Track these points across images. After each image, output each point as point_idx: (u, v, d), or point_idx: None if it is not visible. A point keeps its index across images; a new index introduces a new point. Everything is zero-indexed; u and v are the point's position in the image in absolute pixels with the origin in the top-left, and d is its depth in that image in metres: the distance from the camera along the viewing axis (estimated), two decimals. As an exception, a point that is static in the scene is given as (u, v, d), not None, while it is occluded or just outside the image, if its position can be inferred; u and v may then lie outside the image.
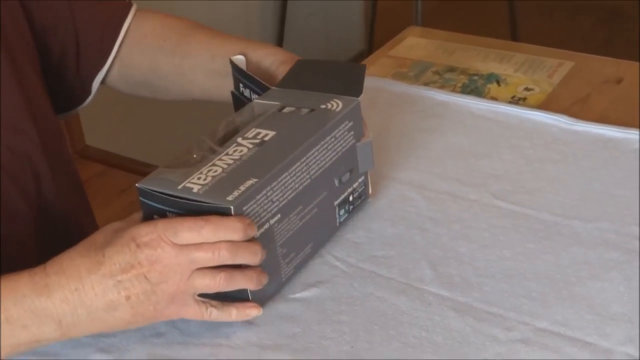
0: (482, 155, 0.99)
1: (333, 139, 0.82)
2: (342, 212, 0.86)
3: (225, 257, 0.72)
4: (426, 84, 1.17)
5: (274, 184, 0.76)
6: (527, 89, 1.14)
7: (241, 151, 0.78)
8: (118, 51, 1.00)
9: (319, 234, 0.84)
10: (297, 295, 0.80)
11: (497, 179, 0.95)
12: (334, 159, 0.82)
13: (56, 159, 0.91)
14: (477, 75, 1.18)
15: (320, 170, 0.81)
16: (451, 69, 1.20)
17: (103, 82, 1.03)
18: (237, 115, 0.86)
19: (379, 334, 0.75)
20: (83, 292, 0.71)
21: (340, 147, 0.83)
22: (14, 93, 0.85)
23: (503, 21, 2.59)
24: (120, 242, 0.71)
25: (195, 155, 0.80)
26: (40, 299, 0.70)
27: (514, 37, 2.58)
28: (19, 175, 0.86)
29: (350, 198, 0.87)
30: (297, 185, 0.78)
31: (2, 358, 0.72)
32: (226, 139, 0.81)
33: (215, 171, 0.76)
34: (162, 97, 1.07)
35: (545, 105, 1.10)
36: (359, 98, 0.85)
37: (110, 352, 0.75)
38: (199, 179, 0.75)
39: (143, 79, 1.03)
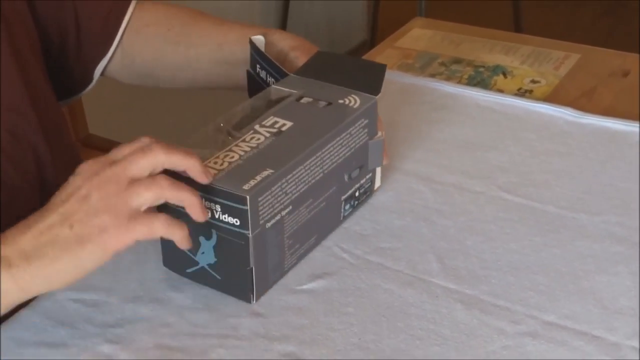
0: (488, 148, 0.99)
1: (348, 136, 0.82)
2: (347, 206, 0.86)
3: (161, 158, 0.71)
4: (432, 76, 1.16)
5: (289, 176, 0.76)
6: (533, 81, 1.14)
7: (258, 139, 0.78)
8: (120, 41, 1.00)
9: (324, 226, 0.85)
10: (304, 286, 0.80)
11: (503, 171, 0.95)
12: (347, 155, 0.82)
13: (58, 144, 0.91)
14: (483, 67, 1.18)
15: (333, 165, 0.81)
16: (457, 61, 1.20)
17: (103, 73, 1.02)
18: (254, 99, 0.86)
19: (386, 326, 0.75)
20: (29, 233, 0.69)
21: (354, 144, 0.83)
22: (15, 77, 0.85)
23: (506, 12, 2.59)
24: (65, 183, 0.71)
25: (212, 137, 0.80)
26: None
27: (518, 28, 2.57)
28: (20, 159, 0.85)
29: (357, 194, 0.87)
30: (310, 179, 0.78)
31: None
32: (243, 124, 0.81)
33: (232, 157, 0.76)
34: (166, 87, 1.07)
35: (552, 97, 1.10)
36: (377, 97, 0.85)
37: (118, 342, 0.75)
38: (215, 163, 0.75)
39: (146, 68, 1.03)
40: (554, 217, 0.88)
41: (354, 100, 0.84)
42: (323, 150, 0.79)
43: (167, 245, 0.79)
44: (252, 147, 0.77)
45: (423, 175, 0.95)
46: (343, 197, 0.85)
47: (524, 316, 0.75)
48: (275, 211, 0.75)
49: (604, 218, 0.87)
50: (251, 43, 0.93)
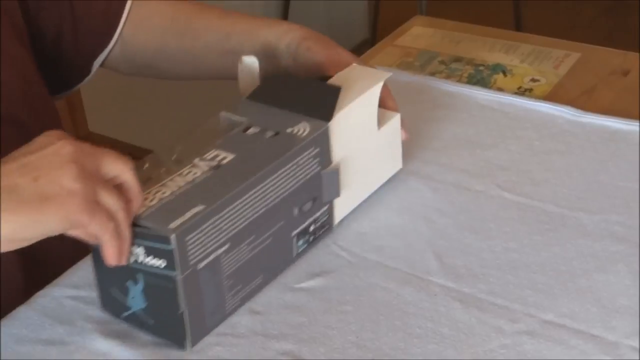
0: (488, 146, 0.99)
1: (295, 167, 0.77)
2: (300, 242, 0.81)
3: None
4: (432, 74, 1.16)
5: (224, 212, 0.71)
6: (533, 80, 1.13)
7: (195, 173, 0.74)
8: (120, 32, 0.99)
9: (272, 265, 0.79)
10: (302, 285, 0.80)
11: (503, 170, 0.95)
12: (294, 187, 0.77)
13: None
14: (483, 65, 1.18)
15: (278, 199, 0.76)
16: (457, 59, 1.20)
17: (102, 64, 1.01)
18: (201, 129, 0.81)
19: (384, 324, 0.75)
20: None
21: (303, 175, 0.78)
22: (5, 71, 0.85)
23: (507, 11, 2.58)
24: None
25: (147, 171, 0.75)
26: None
27: (518, 27, 2.57)
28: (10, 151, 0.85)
29: (311, 228, 0.82)
30: (250, 214, 0.74)
31: None
32: (184, 157, 0.76)
33: (164, 193, 0.72)
34: (167, 77, 1.06)
35: (552, 96, 1.09)
36: (329, 123, 0.80)
37: (117, 338, 0.75)
38: (145, 199, 0.71)
39: (148, 60, 1.02)
40: (554, 216, 0.87)
41: (303, 129, 0.79)
42: (265, 183, 0.74)
43: (103, 288, 0.75)
44: (187, 182, 0.73)
45: (422, 174, 0.95)
46: (294, 233, 0.80)
47: (523, 315, 0.75)
48: (209, 250, 0.71)
49: (604, 217, 0.87)
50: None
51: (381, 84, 0.87)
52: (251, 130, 0.80)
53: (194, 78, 1.04)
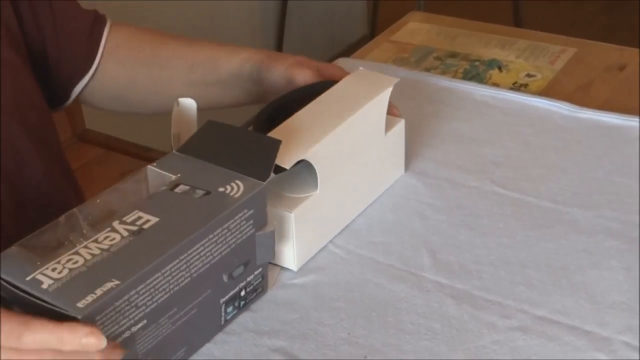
0: (483, 142, 0.99)
1: (225, 231, 0.70)
2: (229, 309, 0.74)
3: None
4: (427, 70, 1.16)
5: (141, 287, 0.64)
6: (528, 75, 1.13)
7: (113, 239, 0.66)
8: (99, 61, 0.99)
9: (197, 335, 0.73)
10: (295, 281, 0.80)
11: (498, 165, 0.94)
12: (224, 252, 0.70)
13: (43, 145, 0.90)
14: (478, 61, 1.17)
15: (205, 267, 0.69)
16: (453, 55, 1.19)
17: (80, 95, 1.00)
18: (126, 183, 0.74)
19: (377, 320, 0.75)
20: None
21: (234, 240, 0.71)
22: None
23: (506, 9, 2.58)
24: None
25: (61, 233, 0.67)
26: None
27: (517, 22, 2.56)
28: None
29: (242, 293, 0.75)
30: (172, 286, 0.66)
31: None
32: (102, 218, 0.69)
33: (76, 262, 0.64)
34: (138, 111, 1.04)
35: (547, 91, 1.09)
36: (265, 183, 0.72)
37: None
38: (54, 270, 0.63)
39: (118, 92, 1.01)
40: (548, 212, 0.87)
41: (237, 188, 0.71)
42: (189, 252, 0.67)
43: None
44: (102, 250, 0.65)
45: (417, 170, 0.94)
46: (223, 300, 0.73)
47: (515, 311, 0.75)
48: (122, 328, 0.63)
49: (599, 212, 0.87)
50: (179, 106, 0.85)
51: (390, 89, 0.87)
52: (180, 189, 0.72)
53: (164, 111, 1.02)
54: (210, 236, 0.68)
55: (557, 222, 0.86)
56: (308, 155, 0.77)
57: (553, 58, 1.16)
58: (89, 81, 0.99)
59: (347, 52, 1.31)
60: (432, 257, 0.81)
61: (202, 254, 0.68)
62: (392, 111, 0.91)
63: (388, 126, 0.89)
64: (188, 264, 0.67)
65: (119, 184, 0.73)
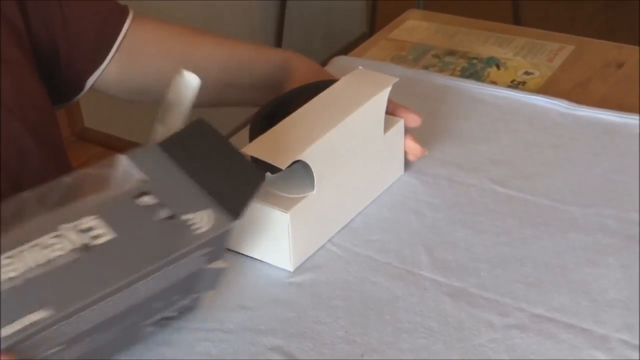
0: (481, 140, 0.99)
1: (174, 268, 0.63)
2: (151, 328, 0.71)
3: None
4: (425, 68, 1.16)
5: (73, 319, 0.59)
6: (526, 73, 1.13)
7: (59, 249, 0.60)
8: (117, 55, 0.99)
9: (111, 350, 0.69)
10: (292, 279, 0.80)
11: (495, 163, 0.94)
12: (166, 286, 0.65)
13: (45, 143, 0.90)
14: (476, 58, 1.17)
15: (141, 300, 0.64)
16: (451, 53, 1.19)
17: (97, 85, 1.01)
18: (91, 168, 0.67)
19: (374, 319, 0.75)
20: None
21: (182, 274, 0.66)
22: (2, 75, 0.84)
23: (505, 8, 2.57)
24: None
25: (7, 220, 0.61)
26: None
27: (517, 19, 2.56)
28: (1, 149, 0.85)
29: (168, 314, 0.71)
30: (101, 317, 0.62)
31: None
32: (59, 203, 0.63)
33: (15, 269, 0.58)
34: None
35: (545, 89, 1.09)
36: (234, 223, 0.65)
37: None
38: None
39: (145, 86, 1.01)
40: (546, 210, 0.87)
41: (204, 220, 0.64)
42: (131, 289, 0.61)
43: None
44: (45, 262, 0.59)
45: (414, 168, 0.94)
46: (145, 323, 0.69)
47: (513, 309, 0.75)
48: (38, 352, 0.59)
49: (596, 210, 0.86)
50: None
51: (389, 88, 0.86)
52: (144, 200, 0.65)
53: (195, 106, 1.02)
54: (158, 274, 0.62)
55: (554, 219, 0.85)
56: (304, 156, 0.77)
57: (551, 56, 1.16)
58: (102, 72, 0.99)
59: (346, 50, 1.31)
60: (430, 255, 0.81)
61: (141, 289, 0.62)
62: (406, 114, 0.90)
63: (387, 126, 0.88)
64: (125, 298, 0.62)
65: (87, 168, 0.67)
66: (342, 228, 0.85)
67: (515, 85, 1.11)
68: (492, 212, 0.87)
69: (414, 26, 1.28)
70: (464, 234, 0.84)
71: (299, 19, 2.65)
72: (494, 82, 1.11)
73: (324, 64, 1.16)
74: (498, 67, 1.15)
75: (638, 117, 0.99)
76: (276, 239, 0.79)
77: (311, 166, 0.78)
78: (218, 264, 0.69)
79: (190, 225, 0.64)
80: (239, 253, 0.82)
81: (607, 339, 0.71)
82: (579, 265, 0.79)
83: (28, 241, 0.60)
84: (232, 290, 0.79)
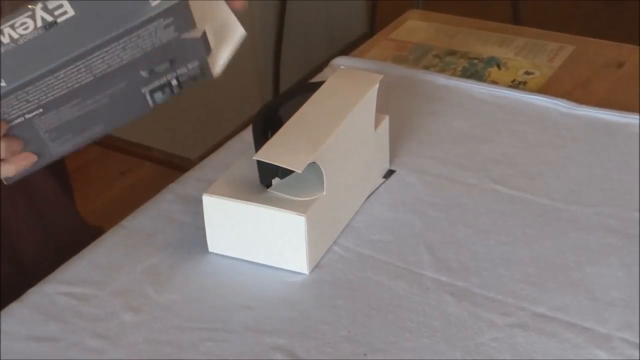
0: (482, 140, 0.99)
1: (136, 38, 0.71)
2: (158, 94, 0.77)
3: None
4: (426, 68, 1.16)
5: (29, 88, 0.70)
6: (527, 73, 1.13)
7: (26, 27, 0.70)
8: None
9: (116, 116, 0.77)
10: (295, 279, 0.80)
11: (496, 163, 0.95)
12: (137, 55, 0.72)
13: None
14: (477, 58, 1.17)
15: (112, 68, 0.72)
16: (451, 53, 1.19)
17: None
18: None
19: (377, 318, 0.75)
20: None
21: (149, 45, 0.72)
22: None
23: (505, 8, 2.57)
24: None
25: None
26: None
27: (517, 18, 2.56)
28: None
29: (174, 82, 0.77)
30: (71, 84, 0.71)
31: None
32: None
33: None
34: None
35: (546, 89, 1.09)
36: None
37: (107, 337, 0.74)
38: None
39: None
40: (547, 209, 0.87)
41: None
42: (89, 58, 0.70)
43: None
44: (12, 39, 0.69)
45: (416, 167, 0.94)
46: (145, 89, 0.76)
47: (515, 308, 0.75)
48: (13, 117, 0.71)
49: (597, 210, 0.87)
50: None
51: (377, 86, 0.87)
52: None
53: None
54: (115, 44, 0.70)
55: (556, 219, 0.86)
56: (316, 157, 0.78)
57: (551, 55, 1.17)
58: None
59: (347, 50, 1.31)
60: (432, 255, 0.82)
61: (105, 59, 0.71)
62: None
63: (375, 123, 0.89)
64: (88, 67, 0.70)
65: None
66: (345, 228, 0.86)
67: (516, 85, 1.11)
68: (494, 211, 0.87)
69: (415, 26, 1.28)
70: (465, 234, 0.84)
71: (299, 19, 2.65)
72: (494, 82, 1.11)
73: (324, 64, 1.16)
74: (499, 67, 1.15)
75: (638, 117, 1.00)
76: (291, 243, 0.79)
77: (322, 167, 0.78)
78: (191, 34, 0.74)
79: (147, 1, 0.70)
80: (252, 263, 0.82)
81: (609, 338, 0.72)
82: (581, 264, 0.80)
83: (7, 22, 0.70)
84: (235, 290, 0.79)
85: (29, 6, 0.70)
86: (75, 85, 0.71)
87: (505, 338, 0.72)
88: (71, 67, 0.70)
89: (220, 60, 0.80)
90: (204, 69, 0.78)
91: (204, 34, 0.76)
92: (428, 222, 0.86)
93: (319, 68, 1.15)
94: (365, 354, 0.72)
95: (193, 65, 0.77)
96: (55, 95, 0.71)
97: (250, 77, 2.25)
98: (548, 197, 0.89)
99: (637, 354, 0.70)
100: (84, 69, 0.71)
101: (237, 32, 0.80)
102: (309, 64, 2.46)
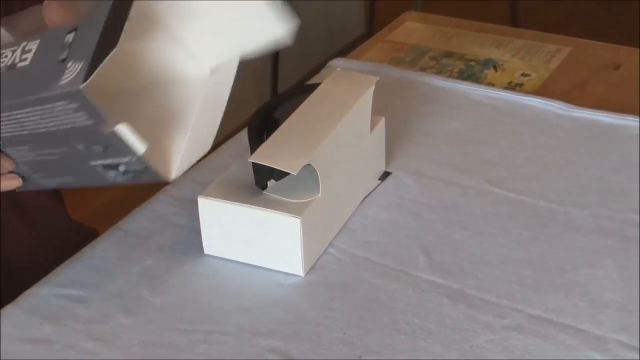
0: (478, 142, 0.99)
1: (50, 112, 0.66)
2: (112, 173, 0.71)
3: None
4: (423, 69, 1.16)
5: None
6: (524, 75, 1.13)
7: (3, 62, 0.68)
8: None
9: (80, 175, 0.73)
10: (290, 281, 0.80)
11: (493, 165, 0.95)
12: (61, 127, 0.67)
13: None
14: (474, 60, 1.17)
15: (42, 130, 0.68)
16: (448, 55, 1.19)
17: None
18: None
19: (372, 320, 0.75)
20: None
21: (70, 121, 0.66)
22: None
23: (503, 9, 2.58)
24: None
25: None
26: None
27: (514, 20, 2.56)
28: None
29: (122, 168, 0.70)
30: (17, 128, 0.69)
31: None
32: (22, 29, 0.70)
33: None
34: None
35: (542, 91, 1.09)
36: (82, 85, 0.62)
37: (102, 340, 0.74)
38: None
39: None
40: (543, 211, 0.87)
41: (72, 73, 0.63)
42: (14, 113, 0.67)
43: None
44: None
45: (412, 169, 0.94)
46: (95, 163, 0.70)
47: (510, 310, 0.75)
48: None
49: (593, 212, 0.87)
50: None
51: (373, 87, 0.87)
52: (69, 36, 0.65)
53: None
54: (31, 109, 0.66)
55: (552, 221, 0.86)
56: (312, 160, 0.78)
57: (548, 57, 1.17)
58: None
59: (344, 51, 1.31)
60: (427, 257, 0.82)
61: (31, 119, 0.67)
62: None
63: (371, 125, 0.89)
64: (18, 122, 0.68)
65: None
66: (340, 230, 0.86)
67: (513, 87, 1.11)
68: (490, 213, 0.87)
69: (412, 28, 1.28)
70: (461, 236, 0.84)
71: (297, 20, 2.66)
72: (491, 84, 1.11)
73: (322, 65, 1.16)
74: (495, 68, 1.15)
75: (636, 119, 1.00)
76: (287, 246, 0.79)
77: (317, 169, 0.78)
78: (111, 128, 0.66)
79: (65, 72, 0.63)
80: (247, 264, 0.82)
81: (605, 340, 0.72)
82: (577, 266, 0.80)
83: None
84: (230, 292, 0.79)
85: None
86: (23, 132, 0.68)
87: (501, 340, 0.72)
88: (7, 113, 0.67)
89: (177, 164, 0.74)
90: (147, 168, 0.71)
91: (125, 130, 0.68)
92: (424, 224, 0.86)
93: (318, 69, 1.16)
94: (360, 356, 0.72)
95: (128, 159, 0.70)
96: (13, 133, 0.69)
97: (248, 78, 2.25)
98: (544, 199, 0.89)
99: (633, 356, 0.70)
100: (14, 121, 0.68)
101: (205, 147, 0.76)
102: (308, 65, 2.47)
